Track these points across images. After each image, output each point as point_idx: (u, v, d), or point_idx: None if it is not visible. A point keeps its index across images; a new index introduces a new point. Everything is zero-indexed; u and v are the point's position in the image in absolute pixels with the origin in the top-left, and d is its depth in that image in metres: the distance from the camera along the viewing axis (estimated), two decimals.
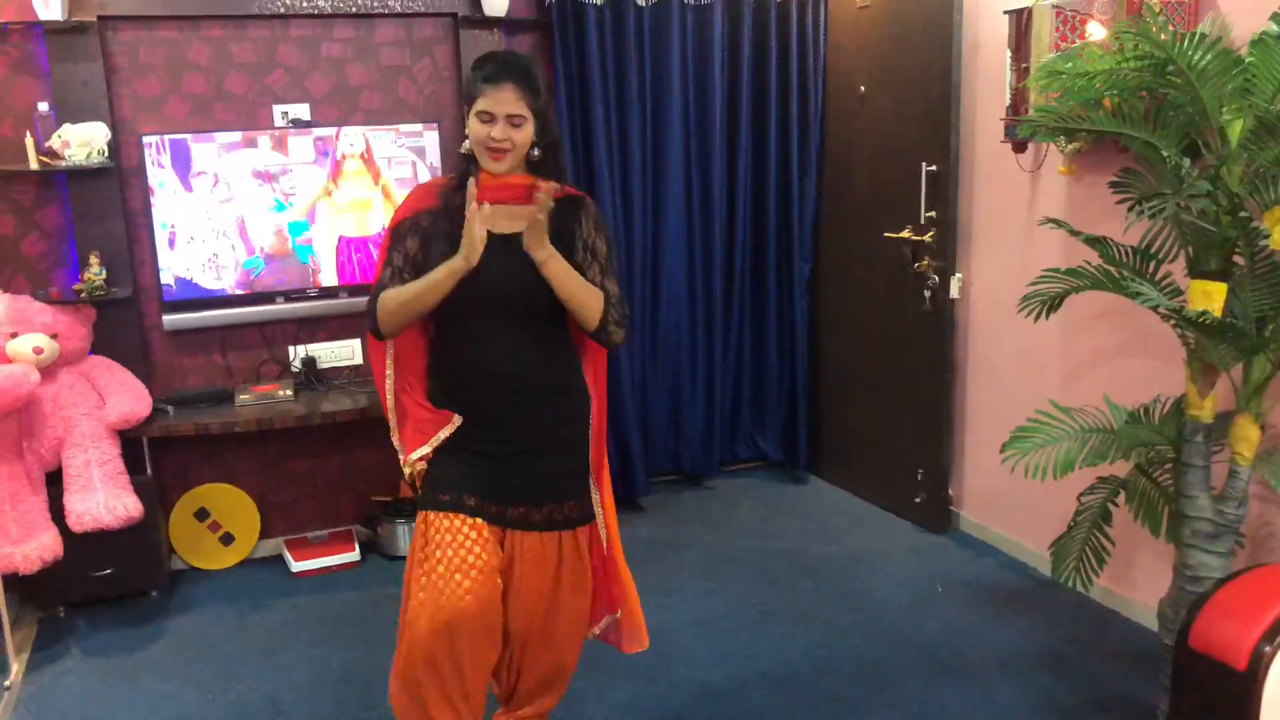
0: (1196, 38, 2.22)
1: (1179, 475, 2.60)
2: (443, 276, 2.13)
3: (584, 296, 2.18)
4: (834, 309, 4.62)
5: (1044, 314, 2.79)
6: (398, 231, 2.26)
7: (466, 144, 2.21)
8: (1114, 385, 3.19)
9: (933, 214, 3.92)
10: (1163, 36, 2.25)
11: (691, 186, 4.47)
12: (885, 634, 3.30)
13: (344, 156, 3.89)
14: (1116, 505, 2.88)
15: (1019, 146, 3.45)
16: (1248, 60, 2.28)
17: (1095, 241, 2.61)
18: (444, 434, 2.24)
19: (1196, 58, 2.24)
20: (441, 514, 2.21)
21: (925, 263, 3.97)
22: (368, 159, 3.91)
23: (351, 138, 3.89)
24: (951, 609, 3.46)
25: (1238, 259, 2.44)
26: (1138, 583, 3.29)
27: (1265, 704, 1.88)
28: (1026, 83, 2.70)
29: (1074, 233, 2.64)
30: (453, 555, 2.17)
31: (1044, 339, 3.58)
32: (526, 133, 2.17)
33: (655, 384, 4.57)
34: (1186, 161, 2.40)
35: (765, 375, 4.77)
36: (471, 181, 2.16)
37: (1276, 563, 2.46)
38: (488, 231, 2.12)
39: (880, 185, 4.21)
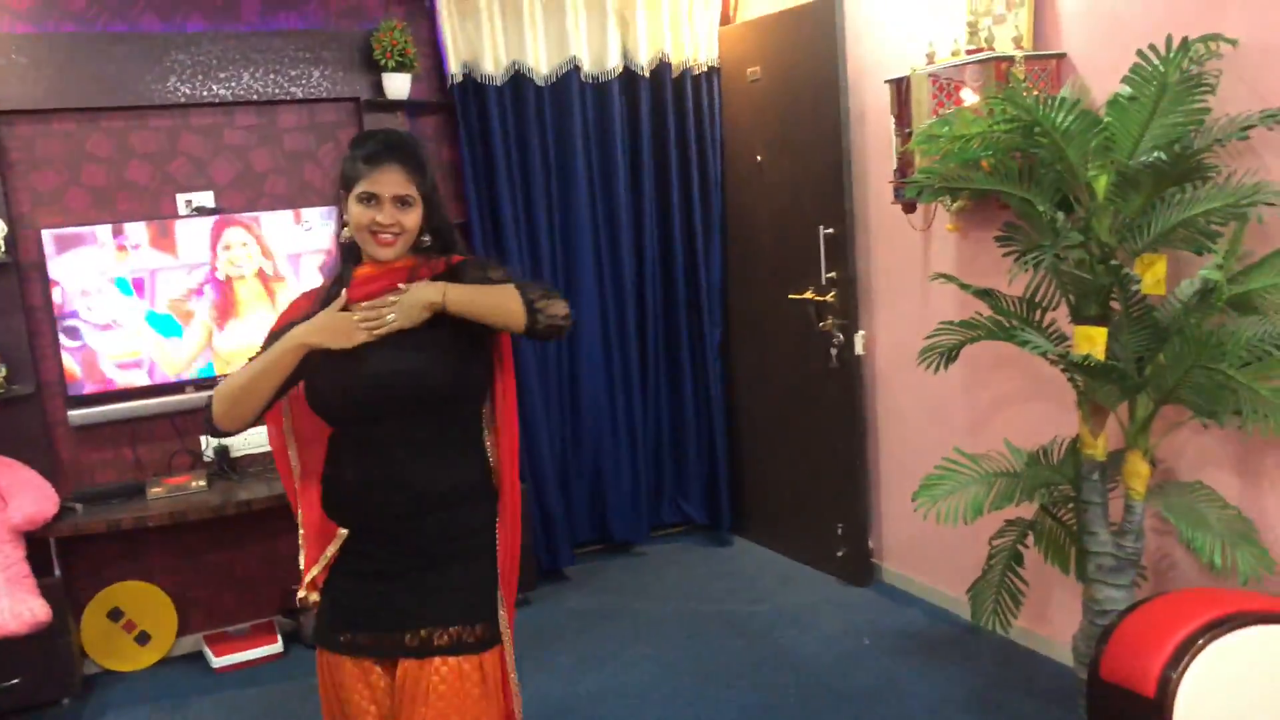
0: (1058, 101, 2.38)
1: (1080, 513, 2.72)
2: (282, 350, 1.89)
3: (497, 299, 1.92)
4: (747, 371, 4.72)
5: (943, 365, 2.92)
6: (270, 338, 2.00)
7: (346, 231, 1.97)
8: (1015, 429, 3.32)
9: (833, 274, 4.06)
10: (1028, 100, 2.41)
11: (601, 259, 4.56)
12: (818, 690, 3.34)
13: (228, 279, 3.89)
14: (1027, 547, 2.99)
15: (908, 207, 3.62)
16: (1106, 120, 2.45)
17: (984, 294, 2.75)
18: (330, 550, 1.98)
19: (1060, 119, 2.40)
20: (324, 651, 2.00)
21: (829, 321, 4.10)
22: (265, 277, 3.93)
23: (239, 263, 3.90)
24: (880, 660, 3.52)
25: (1115, 304, 2.59)
26: (1054, 621, 3.39)
27: None
28: (908, 146, 2.84)
29: (964, 286, 2.78)
30: (337, 709, 1.99)
31: (947, 389, 3.71)
32: (415, 216, 1.94)
33: (577, 454, 4.61)
34: (1061, 215, 2.55)
35: (685, 439, 4.83)
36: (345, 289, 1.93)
37: (1175, 591, 2.57)
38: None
39: (782, 249, 4.35)
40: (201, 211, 3.89)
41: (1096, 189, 2.51)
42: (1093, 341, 2.55)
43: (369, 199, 1.90)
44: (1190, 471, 2.84)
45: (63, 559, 3.66)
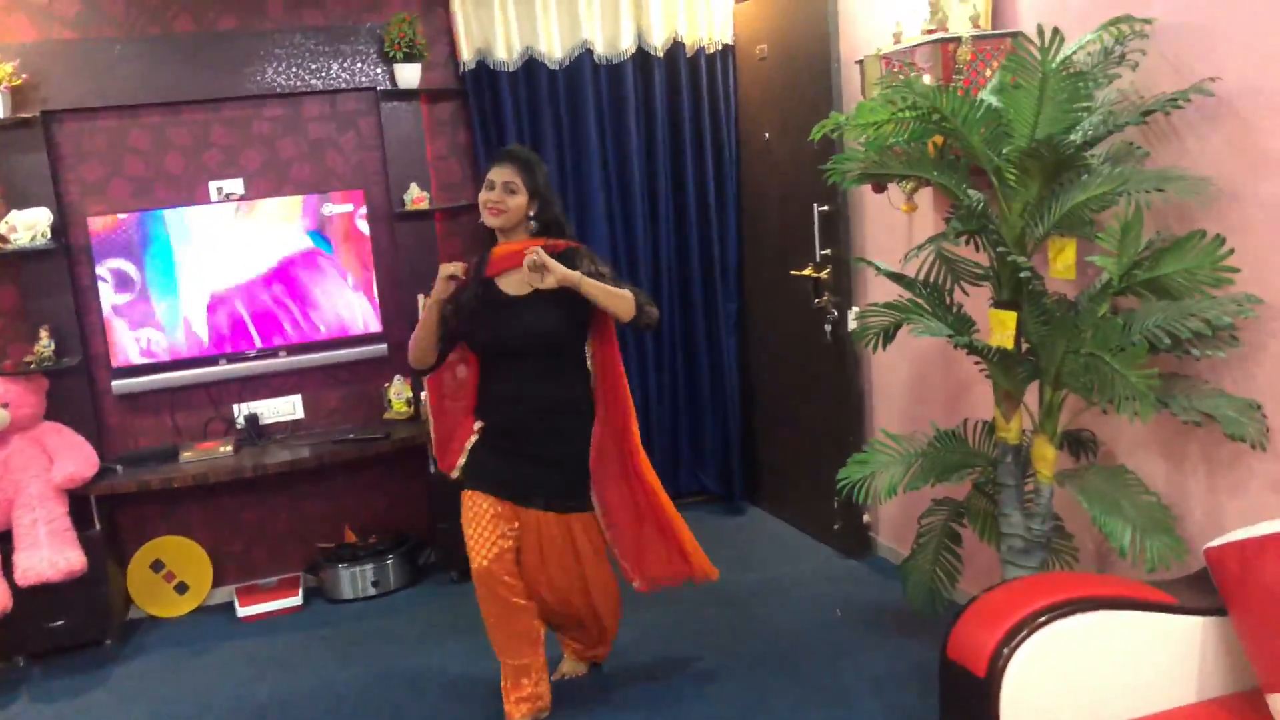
0: (950, 89, 2.40)
1: (995, 494, 2.74)
2: (425, 312, 2.96)
3: (616, 297, 2.87)
4: (759, 344, 4.80)
5: (880, 345, 2.96)
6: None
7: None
8: (982, 407, 3.31)
9: (827, 251, 4.10)
10: (923, 87, 2.43)
11: (616, 239, 4.70)
12: (770, 657, 3.44)
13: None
14: (964, 525, 3.02)
15: (877, 188, 3.62)
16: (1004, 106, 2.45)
17: (895, 277, 2.79)
18: (472, 439, 3.03)
19: (957, 107, 2.42)
20: (473, 492, 3.00)
21: (825, 298, 4.15)
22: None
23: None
24: (844, 632, 3.59)
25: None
26: None
27: (1004, 709, 2.00)
28: (812, 136, 2.88)
29: (878, 269, 2.82)
30: (479, 524, 2.95)
31: (930, 366, 3.72)
32: (519, 200, 2.89)
33: None
34: (978, 197, 2.57)
35: (701, 411, 4.95)
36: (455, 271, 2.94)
37: (1042, 574, 2.57)
38: (505, 294, 2.94)
39: (786, 226, 4.40)
40: (231, 198, 4.22)
41: (1006, 174, 2.51)
42: (1004, 325, 2.57)
43: (489, 185, 2.91)
44: (1125, 454, 2.82)
45: (110, 515, 4.08)
